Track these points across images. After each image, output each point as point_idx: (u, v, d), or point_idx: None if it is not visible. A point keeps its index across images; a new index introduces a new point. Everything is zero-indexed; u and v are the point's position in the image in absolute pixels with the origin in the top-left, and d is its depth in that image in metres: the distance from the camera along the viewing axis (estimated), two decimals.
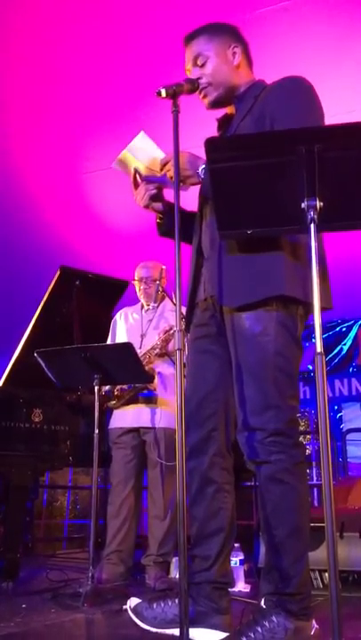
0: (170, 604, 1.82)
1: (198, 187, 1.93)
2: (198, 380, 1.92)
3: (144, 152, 1.94)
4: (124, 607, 2.36)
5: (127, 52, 3.78)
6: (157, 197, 2.00)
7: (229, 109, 2.01)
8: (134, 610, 1.84)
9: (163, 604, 1.82)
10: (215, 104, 1.98)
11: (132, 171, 1.97)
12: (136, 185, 1.98)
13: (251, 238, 1.76)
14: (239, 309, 1.78)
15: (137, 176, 1.97)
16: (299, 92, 1.82)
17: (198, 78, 1.92)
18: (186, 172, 1.82)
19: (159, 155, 1.93)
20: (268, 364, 1.73)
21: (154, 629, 1.80)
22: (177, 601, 1.80)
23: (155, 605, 1.83)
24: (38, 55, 3.83)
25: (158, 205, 2.02)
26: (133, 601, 1.87)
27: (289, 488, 1.69)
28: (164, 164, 1.87)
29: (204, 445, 1.89)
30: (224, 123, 2.04)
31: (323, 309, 1.73)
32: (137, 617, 1.83)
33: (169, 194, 1.99)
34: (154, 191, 1.97)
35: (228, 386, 1.90)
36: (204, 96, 1.95)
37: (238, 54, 1.96)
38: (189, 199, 2.03)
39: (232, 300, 1.78)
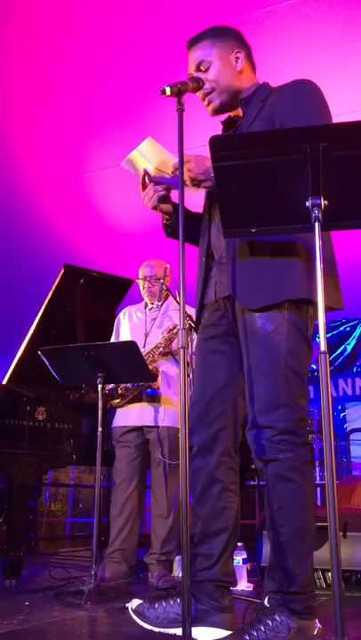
0: (172, 603, 1.82)
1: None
2: (207, 381, 1.93)
3: (153, 154, 1.93)
4: (127, 605, 2.37)
5: (131, 51, 3.78)
6: (166, 199, 2.00)
7: (234, 112, 2.01)
8: (136, 610, 1.84)
9: (165, 604, 1.82)
10: (219, 111, 1.98)
11: (142, 171, 1.96)
12: (144, 186, 1.98)
13: (268, 243, 1.77)
14: (253, 310, 1.79)
15: (145, 177, 1.96)
16: (307, 94, 1.83)
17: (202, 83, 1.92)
18: (200, 177, 1.82)
19: (169, 156, 1.92)
20: (279, 362, 1.74)
21: (156, 629, 1.80)
22: (179, 600, 1.80)
23: (157, 605, 1.83)
24: (40, 54, 3.83)
25: (167, 207, 2.02)
26: (135, 602, 1.87)
27: (296, 487, 1.69)
28: (177, 168, 1.85)
29: (211, 445, 1.89)
30: (230, 125, 2.04)
31: (333, 309, 1.74)
32: (139, 617, 1.83)
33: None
34: (163, 192, 1.97)
35: (237, 386, 1.91)
36: (208, 103, 1.96)
37: (241, 59, 1.95)
38: (195, 201, 2.03)
39: (250, 302, 1.79)
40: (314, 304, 1.77)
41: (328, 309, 1.72)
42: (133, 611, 1.84)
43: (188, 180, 1.82)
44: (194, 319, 2.12)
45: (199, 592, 1.82)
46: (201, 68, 1.93)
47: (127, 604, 2.13)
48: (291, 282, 1.75)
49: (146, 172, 1.96)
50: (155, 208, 2.00)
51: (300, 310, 1.78)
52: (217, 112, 1.98)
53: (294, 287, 1.75)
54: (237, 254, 1.82)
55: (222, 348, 1.94)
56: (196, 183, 1.84)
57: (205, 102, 1.96)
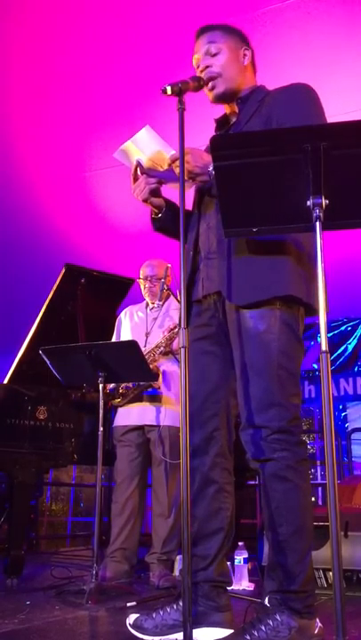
0: (168, 610, 1.83)
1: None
2: (199, 381, 1.92)
3: (149, 145, 1.91)
4: (128, 605, 2.38)
5: (132, 50, 3.78)
6: (157, 192, 2.00)
7: (228, 109, 2.02)
8: (134, 625, 1.83)
9: (162, 612, 1.83)
10: (221, 98, 1.97)
11: (135, 162, 1.94)
12: (136, 177, 1.97)
13: (259, 241, 1.76)
14: (244, 307, 1.78)
15: (138, 169, 1.95)
16: (304, 96, 1.84)
17: (208, 66, 1.91)
18: (196, 170, 1.81)
19: (166, 149, 1.91)
20: (271, 362, 1.73)
21: (157, 638, 1.80)
22: (176, 606, 1.81)
23: (154, 615, 1.83)
24: (42, 54, 3.83)
25: (158, 200, 2.01)
26: (132, 617, 1.86)
27: (292, 485, 1.69)
28: (173, 161, 1.84)
29: (206, 446, 1.89)
30: (223, 123, 2.05)
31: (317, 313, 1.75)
32: (137, 631, 1.82)
33: (170, 191, 1.98)
34: (154, 185, 1.96)
35: (229, 386, 1.91)
36: (212, 88, 1.94)
37: (248, 57, 1.98)
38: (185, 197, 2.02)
39: (240, 298, 1.79)
40: (304, 304, 1.79)
41: (314, 313, 1.72)
42: (132, 625, 1.84)
43: (185, 172, 1.81)
44: None
45: (195, 593, 1.81)
46: (211, 49, 1.93)
47: (128, 603, 2.14)
48: (281, 279, 1.75)
49: (138, 164, 1.94)
50: (145, 201, 1.99)
51: (291, 309, 1.78)
52: (218, 99, 1.97)
53: (285, 285, 1.75)
54: (228, 252, 1.81)
55: (213, 349, 1.94)
56: (192, 176, 1.83)
57: (209, 87, 1.94)
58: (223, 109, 2.04)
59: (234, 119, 1.98)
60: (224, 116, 2.04)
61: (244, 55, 1.97)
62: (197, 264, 1.96)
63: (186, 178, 1.82)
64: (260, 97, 1.92)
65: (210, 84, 1.93)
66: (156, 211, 2.04)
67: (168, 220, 2.01)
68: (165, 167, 1.90)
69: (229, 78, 1.93)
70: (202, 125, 2.11)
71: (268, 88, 1.97)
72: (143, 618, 1.84)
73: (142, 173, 1.95)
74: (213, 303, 1.92)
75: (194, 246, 1.97)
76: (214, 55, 1.93)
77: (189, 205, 2.05)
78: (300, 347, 1.81)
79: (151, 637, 1.80)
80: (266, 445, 1.71)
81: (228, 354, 1.89)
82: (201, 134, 1.94)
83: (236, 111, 1.97)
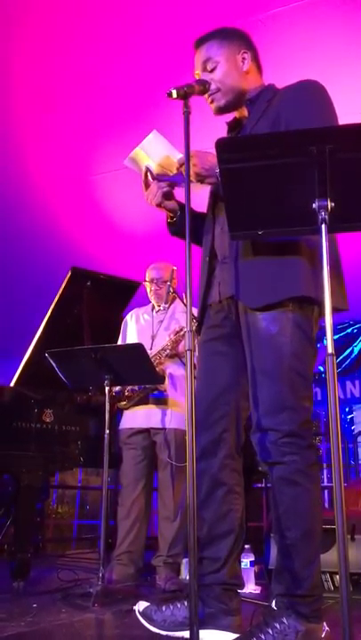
0: (179, 606, 1.82)
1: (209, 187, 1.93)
2: (209, 382, 1.92)
3: (157, 150, 1.92)
4: (134, 608, 2.37)
5: (138, 54, 3.79)
6: (169, 196, 2.00)
7: (239, 113, 2.01)
8: (143, 613, 1.84)
9: (172, 607, 1.82)
10: (223, 110, 1.98)
11: (144, 169, 1.95)
12: (147, 183, 1.97)
13: (270, 241, 1.76)
14: (256, 309, 1.77)
15: (148, 174, 1.95)
16: (313, 95, 1.82)
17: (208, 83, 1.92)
18: (204, 172, 1.81)
19: (173, 153, 1.91)
20: (283, 365, 1.72)
21: (163, 632, 1.80)
22: (186, 603, 1.80)
23: (164, 608, 1.83)
24: (49, 58, 3.84)
25: (171, 204, 2.01)
26: (142, 604, 1.86)
27: (302, 490, 1.68)
28: (181, 164, 1.85)
29: (214, 447, 1.88)
30: (234, 126, 2.04)
31: (339, 310, 1.72)
32: (146, 620, 1.82)
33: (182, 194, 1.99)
34: (167, 189, 1.96)
35: (240, 388, 1.90)
36: (212, 101, 1.95)
37: (248, 60, 1.96)
38: (199, 200, 2.03)
39: (252, 301, 1.78)
40: (318, 304, 1.76)
41: (334, 310, 1.70)
42: (140, 613, 1.84)
43: (193, 175, 1.81)
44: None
45: (207, 595, 1.81)
46: (207, 67, 1.93)
47: (134, 607, 2.14)
48: (294, 280, 1.73)
49: (148, 170, 1.94)
50: (159, 205, 1.99)
51: (304, 311, 1.75)
52: (220, 111, 1.98)
53: (297, 285, 1.73)
54: (240, 253, 1.81)
55: (225, 350, 1.93)
56: (200, 179, 1.83)
57: (209, 100, 1.95)
58: (233, 113, 2.03)
59: (244, 121, 1.98)
60: (234, 120, 2.04)
61: (243, 59, 1.95)
62: (214, 267, 1.96)
63: (194, 180, 1.83)
64: (269, 97, 1.91)
65: (210, 99, 1.94)
66: (172, 215, 2.04)
67: (183, 224, 2.01)
68: (175, 171, 1.91)
69: (229, 90, 1.93)
70: (208, 128, 2.11)
71: (279, 86, 1.95)
72: (153, 609, 1.83)
73: (153, 179, 1.95)
74: (227, 305, 1.92)
75: (210, 250, 1.97)
76: (212, 71, 1.93)
77: (197, 206, 2.05)
78: (313, 349, 1.79)
79: (158, 630, 1.80)
80: (276, 449, 1.70)
81: (240, 356, 1.88)
82: (207, 137, 1.94)
83: (246, 114, 1.97)
